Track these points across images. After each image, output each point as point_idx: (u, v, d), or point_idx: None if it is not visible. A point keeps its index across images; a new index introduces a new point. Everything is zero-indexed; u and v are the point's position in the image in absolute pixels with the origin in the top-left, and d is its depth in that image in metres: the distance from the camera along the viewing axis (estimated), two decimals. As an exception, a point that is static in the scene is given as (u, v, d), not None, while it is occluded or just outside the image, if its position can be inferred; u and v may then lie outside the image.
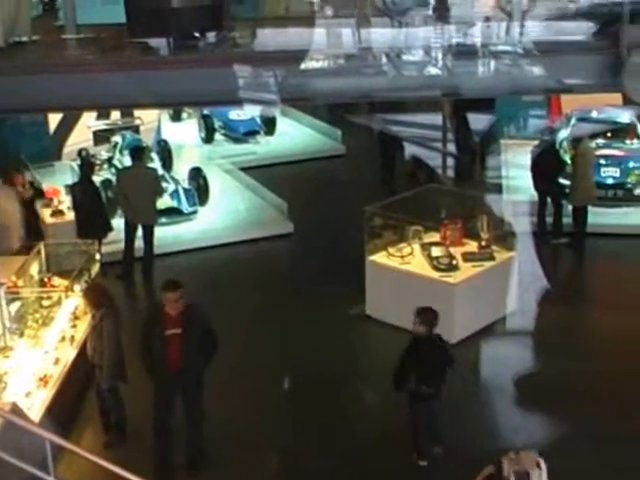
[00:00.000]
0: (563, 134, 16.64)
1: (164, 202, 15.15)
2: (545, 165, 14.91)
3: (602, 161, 15.55)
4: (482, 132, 17.83)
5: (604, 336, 12.07)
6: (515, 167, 16.07)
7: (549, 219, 14.97)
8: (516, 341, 11.95)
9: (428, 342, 9.54)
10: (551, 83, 6.59)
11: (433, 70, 6.11)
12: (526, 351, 11.72)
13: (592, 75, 6.96)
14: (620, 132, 16.62)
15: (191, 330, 9.19)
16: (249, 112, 19.56)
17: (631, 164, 15.90)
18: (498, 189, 15.11)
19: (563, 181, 15.22)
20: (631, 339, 11.80)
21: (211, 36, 7.83)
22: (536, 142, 15.87)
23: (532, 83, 6.61)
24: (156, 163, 16.21)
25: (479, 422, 10.39)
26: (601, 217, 15.03)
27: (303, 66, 6.56)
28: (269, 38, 8.05)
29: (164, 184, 15.25)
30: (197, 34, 7.80)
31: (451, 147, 17.79)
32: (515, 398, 10.77)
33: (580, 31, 7.47)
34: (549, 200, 14.95)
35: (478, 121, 17.64)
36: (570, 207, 14.95)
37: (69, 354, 10.53)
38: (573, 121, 16.79)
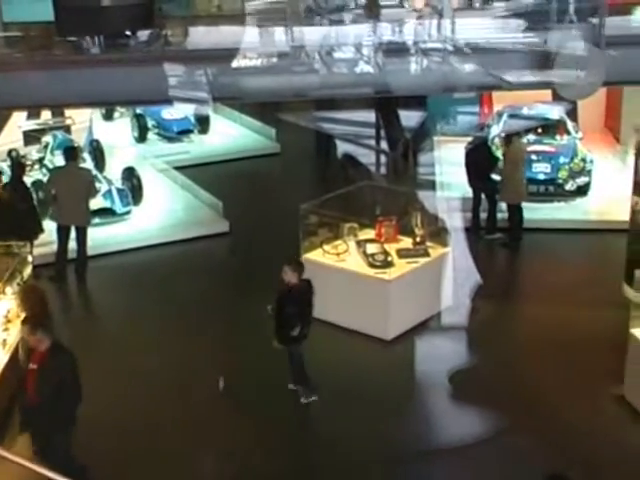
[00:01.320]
0: (495, 131, 16.83)
1: (97, 202, 14.97)
2: (478, 162, 15.06)
3: (533, 157, 15.74)
4: (414, 129, 17.93)
5: (538, 330, 12.23)
6: (448, 164, 16.20)
7: (484, 215, 15.13)
8: (451, 337, 12.03)
9: (299, 289, 10.37)
10: (482, 80, 6.66)
11: (364, 68, 6.13)
12: (461, 346, 11.81)
13: (522, 72, 7.04)
14: (550, 128, 16.85)
15: (48, 371, 8.67)
16: (183, 111, 19.43)
17: (561, 159, 16.13)
18: (432, 186, 15.22)
19: (496, 177, 15.41)
20: (564, 332, 11.99)
21: (143, 34, 7.76)
22: (469, 139, 16.01)
23: (463, 80, 6.67)
24: (88, 163, 16.02)
25: (415, 417, 10.46)
26: (533, 212, 15.21)
27: (235, 64, 6.54)
28: (201, 36, 8.00)
29: (97, 184, 15.08)
30: (128, 32, 7.72)
31: (383, 144, 17.87)
32: (450, 393, 10.85)
33: (510, 29, 7.55)
34: (483, 196, 15.12)
35: (410, 118, 17.73)
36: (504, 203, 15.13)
37: (1, 358, 10.34)
38: (504, 117, 16.99)
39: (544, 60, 7.01)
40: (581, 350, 11.49)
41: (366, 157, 17.59)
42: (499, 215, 15.07)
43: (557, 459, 9.48)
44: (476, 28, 7.30)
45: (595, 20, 7.37)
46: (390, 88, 6.40)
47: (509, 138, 15.20)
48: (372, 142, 17.96)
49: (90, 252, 14.10)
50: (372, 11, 6.21)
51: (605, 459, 9.56)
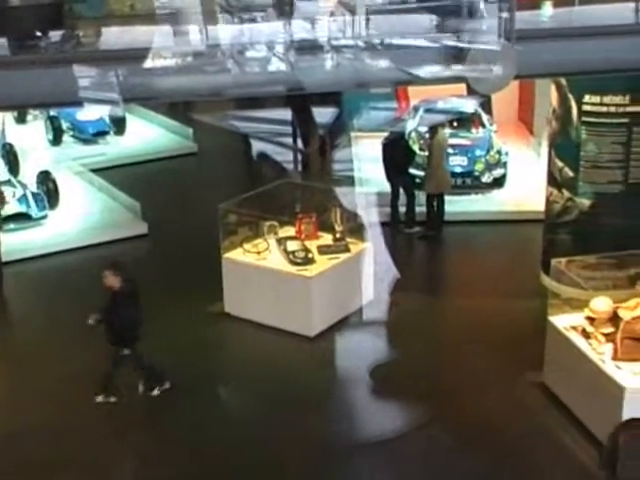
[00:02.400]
0: (411, 125, 16.97)
1: (12, 207, 14.70)
2: (396, 156, 15.19)
3: (450, 150, 15.91)
4: (328, 126, 17.96)
5: (458, 321, 12.39)
6: (366, 159, 16.28)
7: (402, 209, 15.26)
8: (372, 331, 12.12)
9: (124, 292, 10.31)
10: (394, 76, 6.70)
11: (276, 66, 6.12)
12: (382, 341, 11.90)
13: (436, 66, 7.11)
14: (466, 121, 17.06)
15: None
16: (98, 112, 19.16)
17: (477, 152, 16.36)
18: (350, 182, 15.29)
19: (414, 171, 15.57)
20: (484, 322, 12.16)
21: (54, 35, 7.61)
22: (386, 134, 16.11)
23: (376, 76, 6.70)
24: (1, 168, 15.71)
25: (338, 413, 10.48)
26: (451, 205, 15.38)
27: (148, 64, 6.47)
28: (114, 36, 7.88)
29: (11, 189, 14.79)
30: (38, 33, 7.57)
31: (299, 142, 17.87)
32: (372, 388, 10.91)
33: (423, 24, 7.61)
34: (402, 191, 15.25)
35: (324, 115, 17.75)
36: (422, 196, 15.26)
37: None
38: (420, 112, 17.15)
39: (456, 55, 7.10)
40: (501, 339, 11.66)
41: (282, 155, 17.57)
42: (417, 209, 15.20)
43: (479, 449, 9.63)
44: (389, 24, 7.34)
45: (505, 15, 7.46)
46: (303, 86, 6.40)
47: (433, 130, 15.35)
48: (288, 140, 17.93)
49: (6, 258, 13.82)
50: (284, 9, 6.21)
51: (526, 445, 9.73)
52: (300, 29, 6.50)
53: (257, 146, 17.91)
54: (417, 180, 15.55)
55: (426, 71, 6.98)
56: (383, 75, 6.63)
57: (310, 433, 9.96)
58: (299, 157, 17.72)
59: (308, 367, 11.28)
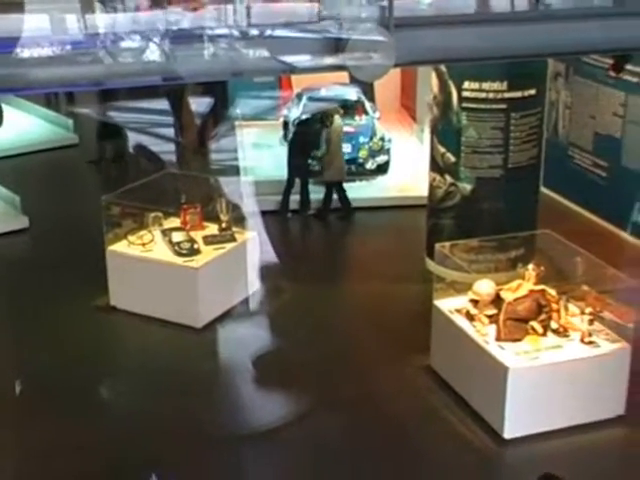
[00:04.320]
0: (295, 113, 16.99)
1: None
2: (306, 141, 15.24)
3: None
4: (206, 115, 17.84)
5: (345, 307, 12.48)
6: (251, 148, 16.24)
7: (294, 197, 15.32)
8: (260, 321, 12.10)
9: None
10: (273, 65, 6.67)
11: (151, 56, 6.02)
12: (270, 330, 11.89)
13: (315, 55, 7.11)
14: (349, 109, 17.15)
15: None
16: (-27, 104, 18.55)
17: (361, 139, 16.49)
18: (235, 171, 15.23)
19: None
20: (371, 308, 12.29)
21: None
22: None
23: (253, 65, 6.66)
24: None
25: (226, 405, 10.42)
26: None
27: (21, 54, 6.28)
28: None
29: None
30: None
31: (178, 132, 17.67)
32: (260, 378, 10.88)
33: (304, 12, 7.60)
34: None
35: (203, 104, 17.62)
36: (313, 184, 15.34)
37: None
38: (304, 100, 17.16)
39: (336, 44, 7.10)
40: (388, 324, 11.80)
41: (159, 146, 17.31)
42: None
43: (366, 432, 9.72)
44: (269, 13, 7.31)
45: (384, 3, 7.50)
46: (178, 75, 6.32)
47: (329, 118, 15.40)
48: (168, 131, 17.71)
49: None
50: (160, -2, 6.15)
51: (413, 426, 9.90)
52: (176, 18, 6.42)
53: (134, 138, 17.60)
54: (312, 168, 15.66)
55: (305, 60, 6.98)
56: (260, 64, 6.59)
57: (196, 424, 9.89)
58: (177, 148, 17.53)
59: (195, 358, 11.20)
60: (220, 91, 17.79)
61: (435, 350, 10.78)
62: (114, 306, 12.23)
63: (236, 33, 6.31)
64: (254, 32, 6.45)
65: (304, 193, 15.33)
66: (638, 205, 14.12)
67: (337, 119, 15.50)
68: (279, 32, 6.66)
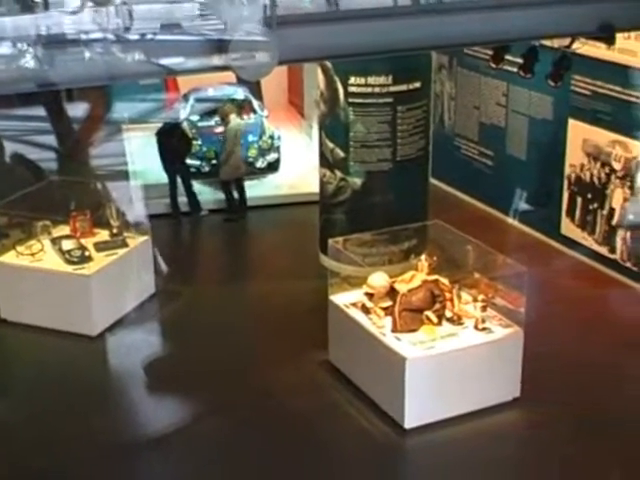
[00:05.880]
0: (183, 114, 16.85)
1: None
2: (172, 146, 15.10)
3: (222, 138, 15.89)
4: (84, 120, 17.53)
5: (242, 307, 12.44)
6: (139, 151, 16.02)
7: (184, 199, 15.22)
8: (155, 326, 12.00)
9: None
10: (155, 67, 6.61)
11: (24, 62, 5.88)
12: (165, 335, 11.80)
13: (198, 56, 7.07)
14: (237, 108, 17.09)
15: None
16: None
17: (250, 138, 16.46)
18: (124, 175, 15.02)
19: (189, 161, 15.54)
20: (268, 306, 12.28)
21: None
22: (158, 124, 15.93)
23: (134, 68, 6.58)
24: None
25: (121, 413, 10.27)
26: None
27: None
28: None
29: None
30: None
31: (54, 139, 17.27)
32: (155, 383, 10.75)
33: (185, 14, 7.54)
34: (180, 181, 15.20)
35: (81, 110, 17.30)
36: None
37: None
38: (191, 101, 17.04)
39: (218, 44, 7.08)
40: (286, 322, 11.82)
41: (38, 154, 16.85)
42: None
43: (266, 430, 9.73)
44: (150, 15, 7.23)
45: (266, 1, 7.51)
46: (53, 82, 6.20)
47: (225, 118, 15.28)
48: (46, 138, 17.27)
49: None
50: (30, 2, 5.98)
51: (315, 421, 9.93)
52: (50, 23, 6.28)
53: (11, 147, 17.10)
54: (192, 170, 15.55)
55: (187, 62, 6.94)
56: (140, 68, 6.52)
57: (93, 434, 9.72)
58: (58, 156, 17.13)
59: (91, 367, 11.00)
60: (98, 95, 17.44)
61: (333, 345, 10.84)
62: (4, 319, 11.93)
63: (114, 37, 6.22)
64: (134, 35, 6.37)
65: (189, 195, 15.24)
66: (519, 192, 14.49)
67: (234, 118, 15.41)
68: (160, 34, 6.60)
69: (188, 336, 11.66)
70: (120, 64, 6.31)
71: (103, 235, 12.42)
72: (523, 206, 14.45)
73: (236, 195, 15.34)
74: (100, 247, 12.15)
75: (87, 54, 6.16)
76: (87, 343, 11.46)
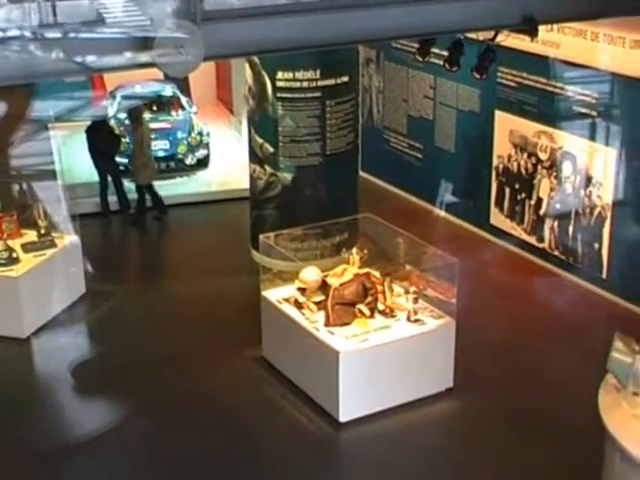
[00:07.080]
0: (111, 112, 16.69)
1: None
2: (102, 143, 14.91)
3: (152, 135, 15.78)
4: (2, 119, 17.21)
5: (176, 306, 12.35)
6: (68, 150, 15.80)
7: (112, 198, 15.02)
8: (86, 327, 11.85)
9: None
10: (75, 66, 6.50)
11: None
12: (96, 335, 11.65)
13: (122, 54, 6.99)
14: (165, 105, 17.01)
15: None
16: None
17: (179, 135, 16.39)
18: (52, 175, 14.79)
19: (118, 159, 15.36)
20: (201, 303, 12.23)
21: None
22: (87, 122, 15.73)
23: (53, 67, 6.46)
24: None
25: (51, 414, 10.14)
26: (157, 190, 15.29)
27: None
28: None
29: None
30: None
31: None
32: (87, 385, 10.63)
33: (110, 11, 7.45)
34: (110, 179, 15.01)
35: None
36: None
37: None
38: (118, 98, 16.89)
39: (143, 41, 7.01)
40: (219, 319, 11.78)
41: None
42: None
43: (205, 428, 9.69)
44: (70, 11, 7.12)
45: (191, -3, 7.45)
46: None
47: (136, 119, 15.03)
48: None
49: None
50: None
51: (249, 417, 9.91)
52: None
53: None
54: (121, 167, 15.37)
55: (111, 59, 6.85)
56: (59, 66, 6.40)
57: (21, 438, 9.57)
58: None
59: (21, 371, 10.85)
60: (19, 93, 17.12)
61: (267, 341, 10.84)
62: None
63: (33, 34, 6.10)
64: (56, 32, 6.27)
65: (119, 193, 15.06)
66: (449, 184, 14.62)
67: (144, 119, 15.12)
68: (83, 31, 6.51)
69: (119, 337, 11.55)
70: (38, 63, 6.18)
71: (31, 236, 12.23)
72: (453, 198, 14.59)
73: (147, 195, 15.07)
74: (28, 248, 11.97)
75: (4, 52, 6.02)
76: (17, 346, 11.29)
